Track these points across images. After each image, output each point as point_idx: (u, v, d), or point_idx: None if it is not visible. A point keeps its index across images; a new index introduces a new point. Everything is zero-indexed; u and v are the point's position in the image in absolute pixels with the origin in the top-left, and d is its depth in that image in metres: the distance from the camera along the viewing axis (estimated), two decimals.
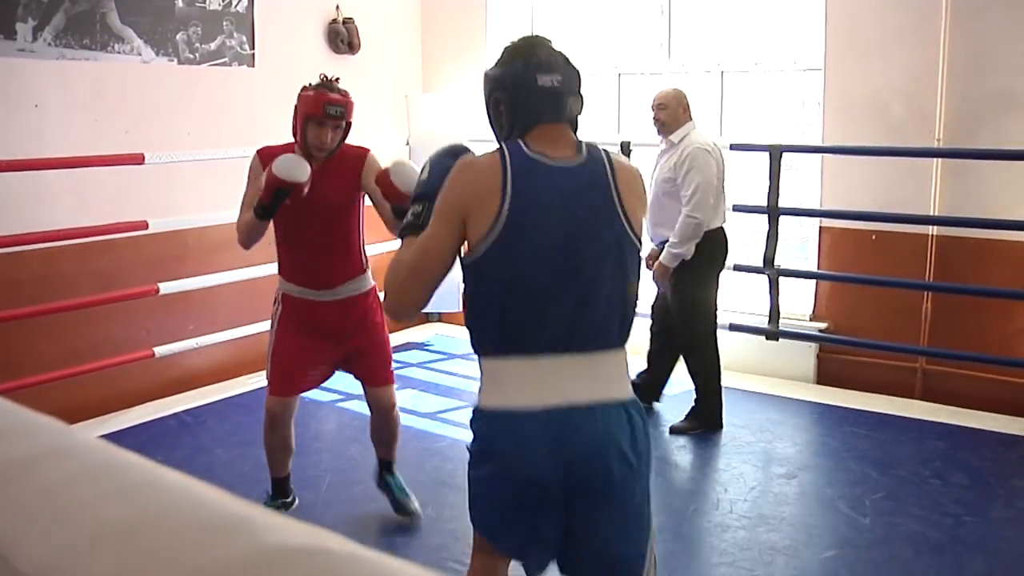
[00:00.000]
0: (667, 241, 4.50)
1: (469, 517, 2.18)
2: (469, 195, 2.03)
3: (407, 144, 6.27)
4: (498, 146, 2.10)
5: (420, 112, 6.33)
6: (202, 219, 5.14)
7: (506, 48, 2.19)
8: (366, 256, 3.50)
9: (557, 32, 6.53)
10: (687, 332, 4.68)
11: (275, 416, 3.48)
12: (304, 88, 3.31)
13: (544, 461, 2.00)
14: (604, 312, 2.07)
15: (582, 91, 2.18)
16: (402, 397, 5.24)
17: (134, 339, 4.92)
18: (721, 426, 4.68)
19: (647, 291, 4.99)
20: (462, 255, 2.09)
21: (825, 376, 5.41)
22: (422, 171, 2.23)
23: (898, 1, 5.07)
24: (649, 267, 4.54)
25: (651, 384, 4.87)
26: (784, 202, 5.12)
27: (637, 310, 2.18)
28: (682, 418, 4.71)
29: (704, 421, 4.68)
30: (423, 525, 3.67)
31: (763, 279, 5.24)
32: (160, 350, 4.92)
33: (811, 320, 5.48)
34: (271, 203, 3.08)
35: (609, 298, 2.07)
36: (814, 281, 5.52)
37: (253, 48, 5.58)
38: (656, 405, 4.93)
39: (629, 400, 2.10)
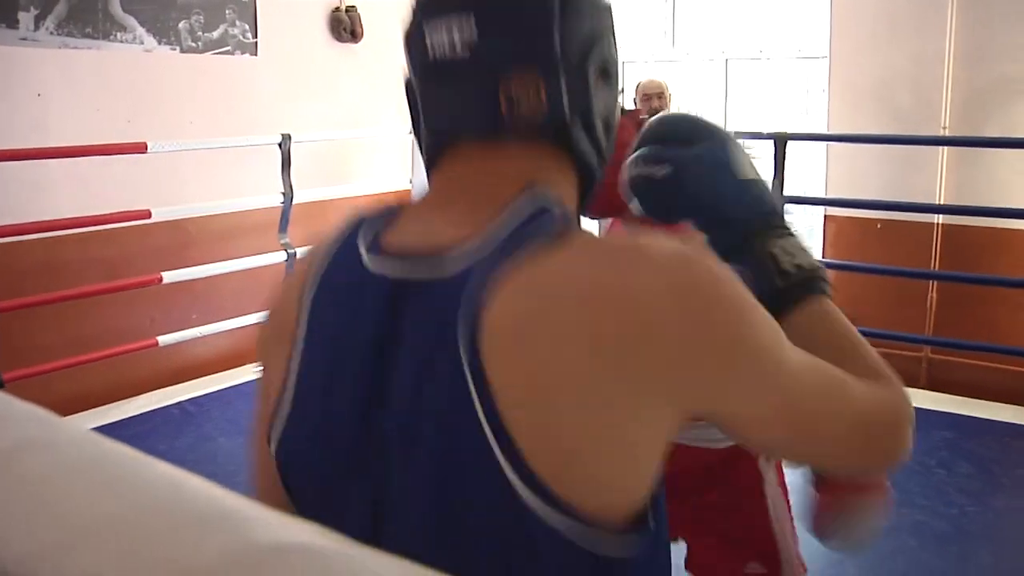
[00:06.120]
0: None
1: None
2: None
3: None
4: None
5: None
6: (205, 208, 5.12)
7: None
8: None
9: None
10: None
11: None
12: None
13: None
14: None
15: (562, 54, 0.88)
16: None
17: (138, 328, 4.91)
18: None
19: None
20: None
21: None
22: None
23: None
24: None
25: None
26: (788, 190, 5.10)
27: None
28: None
29: None
30: None
31: None
32: (164, 339, 4.92)
33: None
34: None
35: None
36: None
37: (256, 37, 5.56)
38: None
39: None
